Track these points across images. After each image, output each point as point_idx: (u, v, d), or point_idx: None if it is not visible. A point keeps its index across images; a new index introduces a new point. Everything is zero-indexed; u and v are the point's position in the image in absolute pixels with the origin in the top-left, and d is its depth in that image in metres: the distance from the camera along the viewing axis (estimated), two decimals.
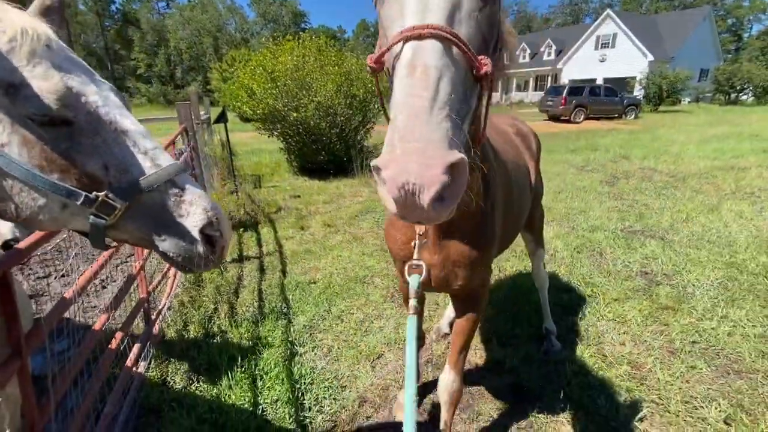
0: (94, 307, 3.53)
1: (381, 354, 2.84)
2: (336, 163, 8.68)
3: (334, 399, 2.43)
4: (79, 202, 0.89)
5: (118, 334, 2.27)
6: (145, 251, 2.89)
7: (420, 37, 0.75)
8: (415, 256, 1.30)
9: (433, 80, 0.71)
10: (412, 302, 1.14)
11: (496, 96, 47.18)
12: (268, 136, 8.94)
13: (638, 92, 29.58)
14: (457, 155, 0.69)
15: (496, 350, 2.84)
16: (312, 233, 5.28)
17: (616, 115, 21.93)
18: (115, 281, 3.95)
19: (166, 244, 0.97)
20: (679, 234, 4.87)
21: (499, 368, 2.66)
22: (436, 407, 2.37)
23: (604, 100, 21.48)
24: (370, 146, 9.79)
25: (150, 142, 0.98)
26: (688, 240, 4.68)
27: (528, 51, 45.36)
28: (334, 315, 3.32)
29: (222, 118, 6.26)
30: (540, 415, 2.28)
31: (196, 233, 0.95)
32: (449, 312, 3.07)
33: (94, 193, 0.89)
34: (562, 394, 2.40)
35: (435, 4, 0.78)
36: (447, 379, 1.83)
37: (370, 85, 8.52)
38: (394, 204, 0.72)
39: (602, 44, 36.80)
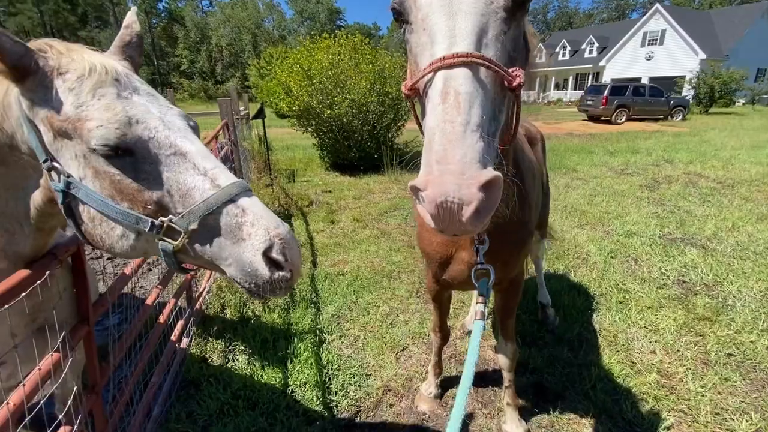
0: (142, 287, 3.83)
1: (405, 347, 2.93)
2: (367, 160, 8.81)
3: (359, 386, 2.54)
4: (147, 230, 0.92)
5: (166, 310, 2.48)
6: None
7: (450, 66, 0.79)
8: (478, 259, 1.29)
9: (465, 106, 0.76)
10: (480, 307, 1.12)
11: (532, 94, 45.92)
12: (303, 132, 9.20)
13: (687, 93, 27.84)
14: (491, 173, 0.73)
15: (521, 350, 2.85)
16: (341, 227, 5.43)
17: (662, 117, 20.80)
18: (160, 264, 4.25)
19: (232, 269, 0.92)
20: (723, 243, 4.63)
21: (523, 368, 2.68)
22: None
23: (649, 100, 20.42)
24: (400, 144, 9.86)
25: (209, 162, 0.96)
26: (732, 250, 4.44)
27: (568, 48, 43.70)
28: (361, 306, 3.43)
29: (260, 114, 6.53)
30: (562, 416, 2.29)
31: (258, 257, 0.90)
32: (472, 307, 3.10)
33: (160, 218, 0.92)
34: (585, 397, 2.40)
35: (462, 31, 0.81)
36: (505, 347, 2.07)
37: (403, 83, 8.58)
38: (433, 220, 0.77)
39: (649, 41, 34.89)
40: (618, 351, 2.84)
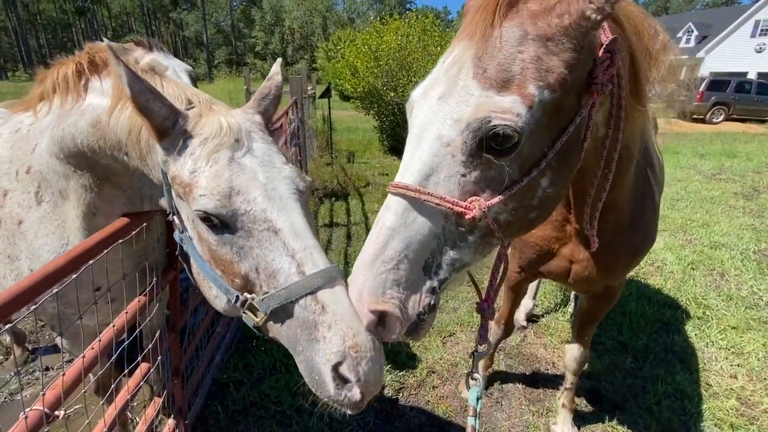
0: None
1: (453, 333, 2.90)
2: None
3: (403, 363, 2.56)
4: (233, 301, 0.93)
5: None
6: None
7: (393, 194, 0.83)
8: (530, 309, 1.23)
9: (382, 238, 0.81)
10: (472, 414, 1.06)
11: None
12: (365, 115, 9.30)
13: None
14: (384, 305, 0.79)
15: None
16: None
17: None
18: None
19: (302, 366, 0.88)
20: None
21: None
22: (504, 393, 2.37)
23: (755, 98, 17.72)
24: None
25: (300, 243, 0.91)
26: None
27: None
28: None
29: (327, 93, 6.68)
30: (619, 427, 2.14)
31: (327, 369, 0.83)
32: (526, 302, 2.98)
33: (245, 294, 0.92)
34: (647, 412, 2.21)
35: (413, 166, 0.83)
36: (575, 351, 1.99)
37: None
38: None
39: (762, 31, 30.12)
40: (692, 370, 2.57)
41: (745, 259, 4.10)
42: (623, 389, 2.38)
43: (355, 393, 0.83)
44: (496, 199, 0.81)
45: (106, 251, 1.09)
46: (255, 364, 2.48)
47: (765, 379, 2.50)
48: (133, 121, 1.01)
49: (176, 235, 1.06)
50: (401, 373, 2.48)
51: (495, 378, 2.47)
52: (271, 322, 0.91)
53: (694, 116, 17.71)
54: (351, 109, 10.01)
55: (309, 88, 9.28)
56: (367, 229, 4.65)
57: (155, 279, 1.42)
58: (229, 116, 0.99)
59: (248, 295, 0.91)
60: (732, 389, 2.42)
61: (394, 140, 9.00)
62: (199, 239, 0.98)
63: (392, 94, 7.97)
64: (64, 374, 0.96)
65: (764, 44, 30.05)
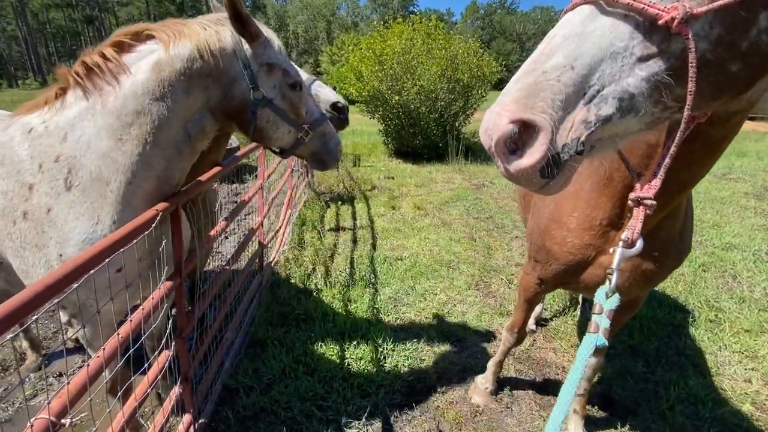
0: (218, 252, 4.20)
1: (462, 338, 2.88)
2: (431, 148, 8.70)
3: (412, 369, 2.56)
4: (297, 131, 1.60)
5: (242, 273, 2.68)
6: (264, 209, 3.32)
7: (573, 8, 0.72)
8: (615, 264, 0.87)
9: (550, 48, 0.69)
10: (602, 321, 0.84)
11: None
12: (370, 118, 9.32)
13: None
14: (534, 115, 0.65)
15: None
16: (402, 213, 5.45)
17: None
18: (235, 233, 4.62)
19: (322, 149, 1.72)
20: None
21: None
22: (514, 398, 2.35)
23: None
24: (467, 133, 9.58)
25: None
26: None
27: None
28: (418, 293, 3.44)
29: None
30: (632, 431, 2.11)
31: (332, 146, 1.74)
32: (536, 309, 2.96)
33: (304, 125, 1.62)
34: (661, 417, 2.18)
35: None
36: (592, 359, 1.90)
37: (475, 70, 8.28)
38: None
39: None
40: (704, 374, 2.53)
41: (758, 260, 4.04)
42: (635, 394, 2.35)
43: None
44: (703, 9, 0.63)
45: (135, 241, 1.20)
46: (264, 369, 2.49)
47: None
48: (198, 40, 1.37)
49: (255, 97, 1.48)
50: (410, 379, 2.47)
51: (505, 383, 2.45)
52: (311, 138, 1.66)
53: None
54: (356, 112, 10.04)
55: None
56: (373, 233, 4.67)
57: (164, 275, 1.45)
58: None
59: (305, 125, 1.62)
60: (746, 393, 2.38)
61: (399, 143, 9.01)
62: (282, 97, 1.55)
63: (397, 98, 7.99)
64: (69, 383, 0.97)
65: None
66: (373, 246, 4.35)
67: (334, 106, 2.50)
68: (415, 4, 78.85)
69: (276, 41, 1.55)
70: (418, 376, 2.50)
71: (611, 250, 0.89)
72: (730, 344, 2.80)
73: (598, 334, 0.81)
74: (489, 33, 75.26)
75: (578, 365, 0.77)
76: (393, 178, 7.37)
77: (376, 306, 3.20)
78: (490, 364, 2.34)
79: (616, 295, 0.83)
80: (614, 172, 1.35)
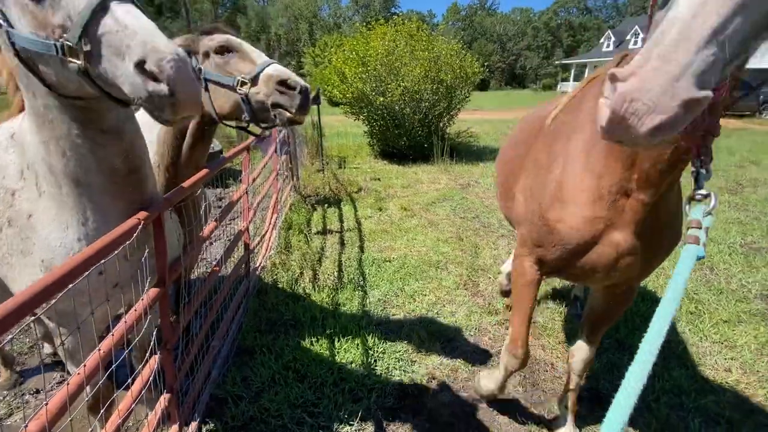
0: (204, 258, 4.11)
1: (451, 338, 2.89)
2: (416, 149, 8.73)
3: (404, 371, 2.55)
4: (53, 53, 0.98)
5: (229, 279, 2.63)
6: (250, 213, 3.27)
7: None
8: (699, 185, 0.88)
9: (725, 11, 0.61)
10: (700, 234, 0.82)
11: None
12: (354, 120, 9.29)
13: None
14: (703, 93, 0.62)
15: None
16: (389, 215, 5.44)
17: (749, 113, 18.50)
18: (220, 239, 4.53)
19: (126, 86, 0.96)
20: None
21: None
22: (504, 396, 2.37)
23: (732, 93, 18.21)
24: (452, 134, 9.66)
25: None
26: None
27: (641, 36, 40.04)
28: (407, 294, 3.43)
29: (316, 99, 6.65)
30: None
31: (131, 68, 0.93)
32: (506, 267, 3.10)
33: (60, 40, 0.97)
34: (647, 409, 2.23)
35: None
36: (586, 353, 1.88)
37: (458, 71, 8.35)
38: (609, 118, 0.69)
39: None
40: (687, 365, 2.60)
41: (733, 252, 4.19)
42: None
43: (163, 87, 0.93)
44: None
45: (115, 253, 1.14)
46: (253, 377, 2.44)
47: (758, 371, 2.54)
48: None
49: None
50: (401, 381, 2.47)
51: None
52: (94, 62, 0.97)
53: None
54: (340, 114, 10.01)
55: None
56: (361, 235, 4.65)
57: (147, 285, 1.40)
58: None
59: (63, 38, 0.97)
60: (727, 383, 2.46)
61: (385, 144, 9.01)
62: (22, 12, 1.01)
63: (381, 99, 7.99)
64: (47, 403, 0.93)
65: None
66: (361, 248, 4.34)
67: (282, 82, 1.59)
68: (396, 5, 79.23)
69: None
70: (410, 377, 2.50)
71: (696, 196, 0.84)
72: (710, 335, 2.89)
73: (699, 246, 0.79)
74: (470, 34, 76.14)
75: (679, 280, 0.74)
76: (379, 179, 7.37)
77: (366, 309, 3.18)
78: (488, 387, 2.11)
79: (711, 216, 0.83)
80: None
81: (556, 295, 3.39)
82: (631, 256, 1.31)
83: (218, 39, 1.70)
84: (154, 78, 0.93)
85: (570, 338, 2.86)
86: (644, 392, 2.08)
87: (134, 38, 0.93)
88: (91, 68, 0.98)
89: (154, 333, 1.56)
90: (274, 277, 3.59)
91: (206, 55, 1.72)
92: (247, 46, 1.75)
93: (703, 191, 0.86)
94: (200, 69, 1.63)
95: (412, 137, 8.56)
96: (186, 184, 1.68)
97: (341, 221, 5.14)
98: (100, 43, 0.96)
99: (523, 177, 1.75)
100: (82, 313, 1.23)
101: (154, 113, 0.98)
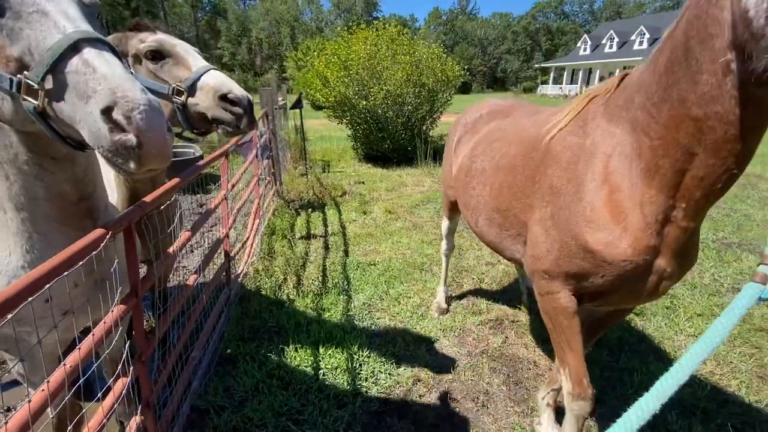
0: (184, 267, 4.03)
1: (437, 339, 2.90)
2: (400, 152, 8.77)
3: (389, 374, 2.54)
4: (8, 87, 0.91)
5: (209, 287, 2.58)
6: (230, 219, 3.22)
7: None
8: None
9: None
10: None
11: (574, 88, 43.74)
12: (338, 124, 9.28)
13: None
14: None
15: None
16: (373, 218, 5.45)
17: None
18: (201, 246, 4.45)
19: (85, 132, 0.90)
20: None
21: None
22: (489, 396, 2.38)
23: None
24: (435, 137, 9.74)
25: (70, 23, 0.93)
26: None
27: (616, 40, 41.31)
28: (392, 297, 3.43)
29: (298, 104, 6.63)
30: (600, 421, 2.19)
31: (97, 114, 0.87)
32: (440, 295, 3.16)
33: (18, 76, 0.91)
34: (626, 402, 2.28)
35: None
36: None
37: (440, 74, 8.43)
38: None
39: None
40: (663, 359, 2.67)
41: (706, 248, 4.34)
42: (602, 382, 2.45)
43: (131, 138, 0.86)
44: None
45: (80, 263, 1.05)
46: (236, 386, 2.40)
47: (731, 362, 2.63)
48: None
49: None
50: (387, 384, 2.46)
51: (479, 384, 2.49)
52: (53, 101, 0.91)
53: None
54: (323, 118, 9.98)
55: (279, 98, 9.19)
56: (345, 239, 4.64)
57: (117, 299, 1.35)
58: None
59: (22, 75, 0.90)
60: (702, 374, 2.53)
61: (369, 148, 9.02)
62: None
63: (364, 103, 8.00)
64: (6, 423, 0.88)
65: None
66: (346, 252, 4.32)
67: (225, 98, 1.52)
68: (378, 9, 79.68)
69: None
70: (396, 381, 2.49)
71: None
72: (685, 328, 2.98)
73: (766, 286, 0.75)
74: (452, 38, 77.17)
75: (733, 317, 0.70)
76: (363, 182, 7.37)
77: (351, 313, 3.17)
78: None
79: None
80: (659, 159, 1.16)
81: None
82: (671, 280, 1.31)
83: (149, 42, 1.56)
84: (121, 127, 0.87)
85: None
86: (622, 387, 2.10)
87: (102, 83, 0.87)
88: (48, 108, 0.92)
89: (127, 345, 1.51)
90: (257, 283, 3.54)
91: (137, 58, 1.60)
92: (181, 48, 1.62)
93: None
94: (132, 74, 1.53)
95: (395, 140, 8.60)
96: (148, 199, 1.56)
97: (325, 225, 5.11)
98: (64, 83, 0.89)
99: (539, 207, 1.56)
100: (30, 339, 1.15)
101: (116, 163, 0.90)
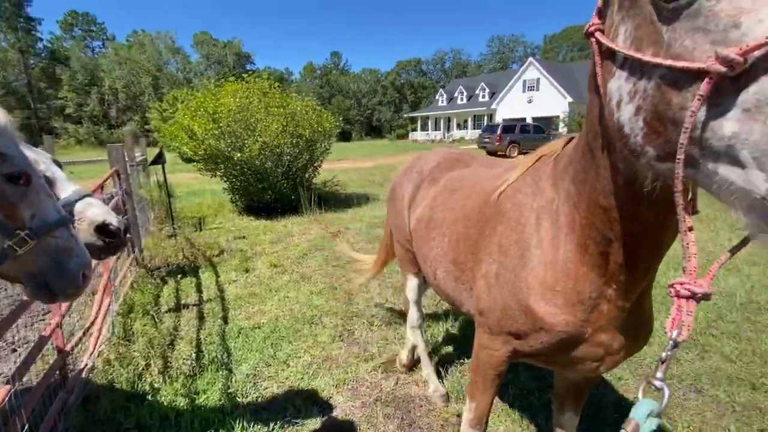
0: (1, 373, 3.08)
1: (330, 396, 2.75)
2: (283, 202, 8.58)
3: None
4: (6, 239, 1.11)
5: (29, 403, 2.00)
6: (64, 307, 2.62)
7: None
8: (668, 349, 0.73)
9: None
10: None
11: (438, 134, 49.94)
12: (211, 177, 8.69)
13: (563, 129, 33.01)
14: None
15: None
16: (257, 275, 5.10)
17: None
18: (27, 342, 3.49)
19: (53, 275, 1.22)
20: None
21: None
22: None
23: (534, 136, 23.74)
24: (318, 184, 9.85)
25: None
26: None
27: (465, 93, 49.21)
28: (280, 360, 3.18)
29: (159, 159, 6.04)
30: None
31: (79, 273, 1.27)
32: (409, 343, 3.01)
33: (18, 231, 1.14)
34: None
35: None
36: (575, 420, 1.78)
37: (316, 126, 8.71)
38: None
39: (528, 87, 40.98)
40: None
41: None
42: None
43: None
44: None
45: None
46: None
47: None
48: None
49: None
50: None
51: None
52: (32, 251, 1.17)
53: (498, 153, 22.40)
54: (195, 170, 9.24)
55: (138, 153, 8.23)
56: (224, 304, 4.19)
57: None
58: None
59: (22, 232, 1.14)
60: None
61: (249, 200, 8.62)
62: None
63: (239, 155, 7.70)
64: None
65: (532, 97, 40.60)
66: (225, 318, 3.90)
67: (101, 229, 1.62)
68: (252, 62, 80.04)
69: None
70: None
71: (663, 354, 0.73)
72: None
73: None
74: (328, 91, 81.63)
75: None
76: (245, 237, 6.92)
77: (232, 390, 2.80)
78: None
79: (656, 420, 0.69)
80: (587, 239, 1.15)
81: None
82: (619, 354, 1.30)
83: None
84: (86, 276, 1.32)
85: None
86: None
87: (80, 251, 1.29)
88: (24, 255, 1.16)
89: None
90: (109, 377, 2.90)
91: None
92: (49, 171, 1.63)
93: (657, 383, 0.73)
94: None
95: (277, 190, 8.41)
96: None
97: (200, 291, 4.57)
98: (50, 245, 1.21)
99: (486, 262, 1.54)
100: None
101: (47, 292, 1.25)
